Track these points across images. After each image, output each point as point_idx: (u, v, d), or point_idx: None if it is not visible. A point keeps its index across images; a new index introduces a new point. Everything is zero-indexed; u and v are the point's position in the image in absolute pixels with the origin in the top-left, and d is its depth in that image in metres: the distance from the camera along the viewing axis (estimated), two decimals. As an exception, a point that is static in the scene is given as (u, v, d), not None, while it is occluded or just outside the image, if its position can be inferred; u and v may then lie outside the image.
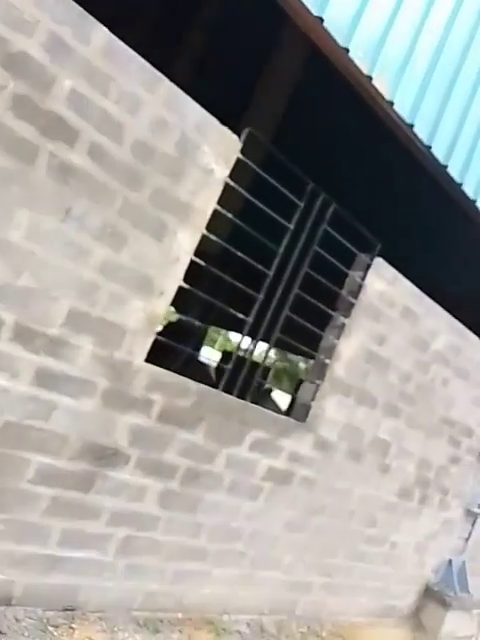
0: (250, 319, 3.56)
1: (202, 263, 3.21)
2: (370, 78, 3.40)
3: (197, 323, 3.23)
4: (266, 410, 3.79)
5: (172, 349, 3.55)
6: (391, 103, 3.56)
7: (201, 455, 3.48)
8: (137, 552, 3.30)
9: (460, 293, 6.03)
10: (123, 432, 3.09)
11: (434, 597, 5.58)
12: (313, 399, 4.06)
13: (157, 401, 3.19)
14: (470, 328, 5.18)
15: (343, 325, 4.12)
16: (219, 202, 3.24)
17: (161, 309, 3.10)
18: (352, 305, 4.13)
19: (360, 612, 4.94)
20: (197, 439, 3.43)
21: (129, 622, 3.31)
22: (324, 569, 4.51)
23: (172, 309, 3.08)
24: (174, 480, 3.38)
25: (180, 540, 3.50)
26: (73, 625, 3.05)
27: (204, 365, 9.92)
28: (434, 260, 6.31)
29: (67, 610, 3.09)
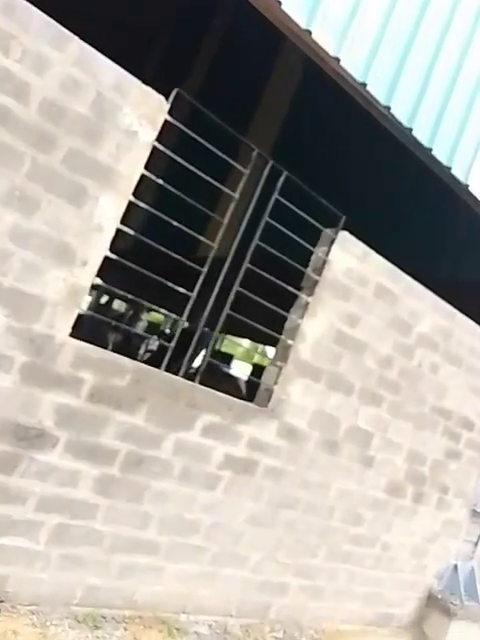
0: (193, 294, 3.36)
1: (131, 232, 3.04)
2: (310, 32, 3.18)
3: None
4: (218, 393, 3.55)
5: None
6: (337, 60, 3.32)
7: (144, 439, 3.27)
8: (73, 542, 3.11)
9: (455, 276, 5.63)
10: (48, 411, 2.92)
11: (438, 605, 5.14)
12: (276, 383, 3.81)
13: (87, 379, 3.02)
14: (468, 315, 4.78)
15: (307, 304, 3.87)
16: (154, 170, 3.09)
17: (85, 280, 2.94)
18: (316, 282, 3.87)
19: (349, 618, 4.57)
20: (137, 422, 3.23)
21: (66, 617, 3.10)
22: (302, 570, 4.18)
23: (96, 281, 2.91)
24: (113, 465, 3.18)
25: (125, 531, 3.28)
26: (-2, 617, 2.88)
27: (232, 377, 9.70)
28: (415, 238, 5.93)
29: (-5, 601, 2.93)
